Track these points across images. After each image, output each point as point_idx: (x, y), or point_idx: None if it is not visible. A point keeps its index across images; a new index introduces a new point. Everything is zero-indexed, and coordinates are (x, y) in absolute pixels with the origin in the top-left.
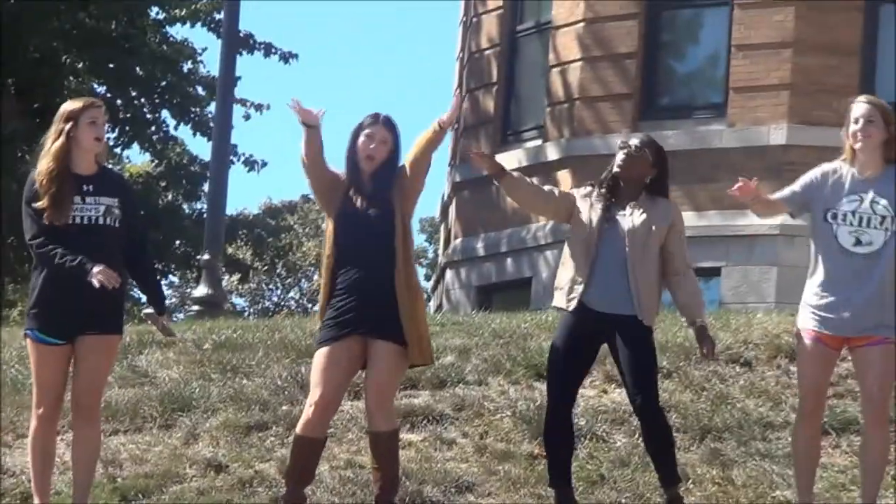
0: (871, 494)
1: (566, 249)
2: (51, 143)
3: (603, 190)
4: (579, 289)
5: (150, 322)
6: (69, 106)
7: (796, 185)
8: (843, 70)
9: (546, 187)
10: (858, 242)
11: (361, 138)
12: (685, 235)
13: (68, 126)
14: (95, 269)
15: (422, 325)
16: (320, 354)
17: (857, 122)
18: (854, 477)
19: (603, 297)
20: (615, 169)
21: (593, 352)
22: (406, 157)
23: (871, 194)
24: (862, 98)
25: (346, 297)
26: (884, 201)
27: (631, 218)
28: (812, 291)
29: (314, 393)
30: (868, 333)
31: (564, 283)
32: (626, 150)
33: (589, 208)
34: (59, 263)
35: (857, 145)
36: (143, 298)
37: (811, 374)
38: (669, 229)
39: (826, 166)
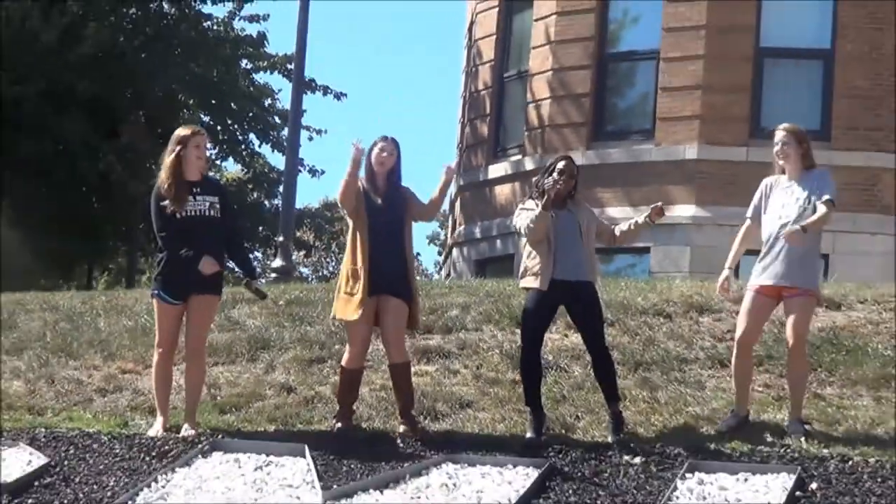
0: (798, 401)
1: (526, 247)
2: (167, 159)
3: (543, 200)
4: (549, 269)
5: (245, 286)
6: (180, 132)
7: (755, 200)
8: (739, 105)
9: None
10: (779, 218)
11: (375, 151)
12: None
13: (178, 148)
14: (203, 265)
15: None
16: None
17: (776, 145)
18: (778, 394)
19: (568, 270)
20: (559, 186)
21: (555, 311)
22: (420, 205)
23: (792, 190)
24: (780, 126)
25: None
26: (799, 193)
27: (578, 215)
28: (758, 260)
29: (352, 336)
30: (793, 286)
31: (536, 268)
32: (563, 178)
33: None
34: (178, 254)
35: (780, 162)
36: (235, 265)
37: (751, 315)
38: (598, 222)
39: (766, 179)
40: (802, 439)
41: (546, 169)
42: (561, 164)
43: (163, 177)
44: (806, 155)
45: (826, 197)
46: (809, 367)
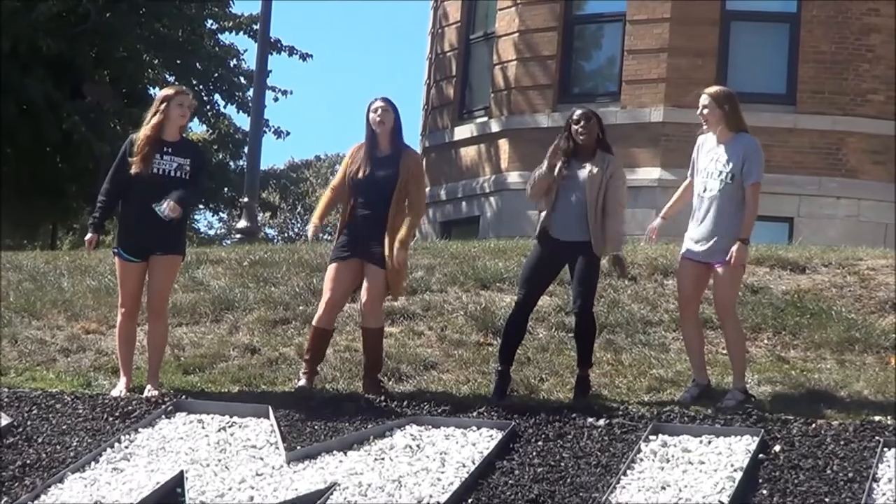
0: (739, 370)
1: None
2: (150, 118)
3: (568, 148)
4: (546, 222)
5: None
6: (165, 91)
7: (692, 158)
8: (705, 68)
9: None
10: (705, 189)
11: (371, 114)
12: (622, 182)
13: (162, 106)
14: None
15: (402, 264)
16: (331, 268)
17: (698, 108)
18: None
19: (565, 229)
20: (580, 139)
21: (554, 270)
22: (413, 188)
23: (718, 155)
24: (703, 91)
25: (353, 230)
26: (724, 159)
27: (590, 170)
28: (689, 227)
29: (326, 296)
30: (714, 260)
31: (539, 220)
32: (580, 125)
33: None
34: (92, 211)
35: (703, 125)
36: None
37: (684, 286)
38: (610, 178)
39: (700, 139)
40: (733, 407)
41: (566, 123)
42: (577, 113)
43: (141, 134)
44: (729, 118)
45: (751, 181)
46: (744, 335)
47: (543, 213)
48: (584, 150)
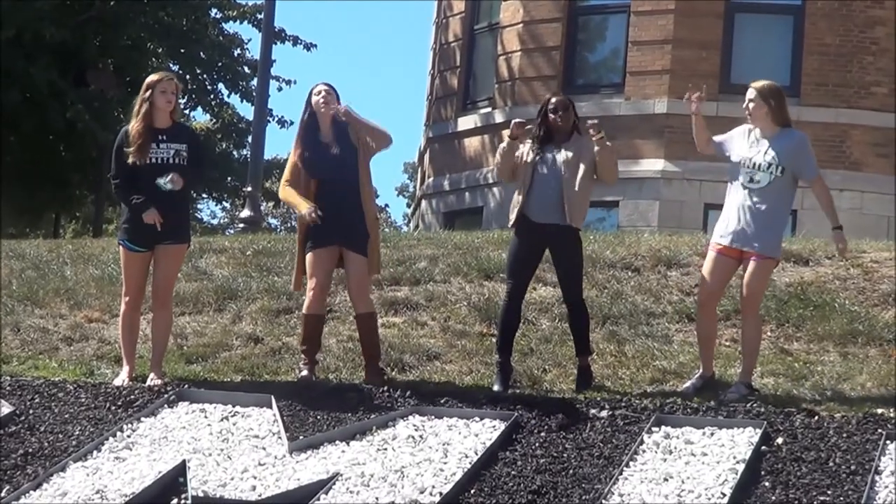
0: (748, 365)
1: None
2: (137, 108)
3: (540, 134)
4: (519, 206)
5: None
6: (150, 78)
7: (725, 136)
8: (708, 60)
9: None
10: (751, 181)
11: (314, 97)
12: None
13: (147, 94)
14: (146, 215)
15: (375, 240)
16: (311, 255)
17: (744, 101)
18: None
19: (545, 212)
20: (558, 127)
21: (537, 255)
22: (364, 131)
23: (765, 148)
24: (750, 85)
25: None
26: (772, 153)
27: (565, 153)
28: (722, 216)
29: (311, 282)
30: (752, 250)
31: (514, 205)
32: (559, 114)
33: (527, 152)
34: (127, 201)
35: (748, 118)
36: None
37: (712, 279)
38: (585, 161)
39: (745, 126)
40: (736, 400)
41: (540, 110)
42: (554, 100)
43: (132, 126)
44: (775, 112)
45: (813, 177)
46: (762, 330)
47: (520, 199)
48: (560, 135)
